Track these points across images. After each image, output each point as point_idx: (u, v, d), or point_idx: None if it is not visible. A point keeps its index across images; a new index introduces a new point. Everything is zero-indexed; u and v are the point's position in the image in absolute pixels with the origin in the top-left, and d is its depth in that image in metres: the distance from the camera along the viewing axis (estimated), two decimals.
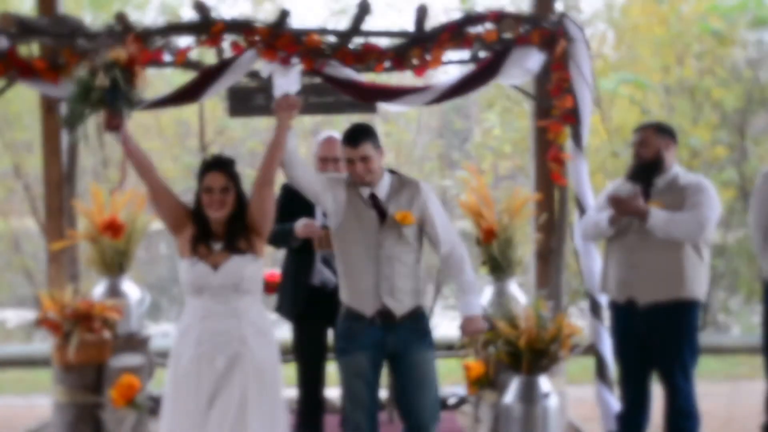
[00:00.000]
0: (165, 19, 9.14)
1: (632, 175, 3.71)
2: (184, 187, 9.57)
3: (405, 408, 3.21)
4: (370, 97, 4.08)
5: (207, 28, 3.78)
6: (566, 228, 4.45)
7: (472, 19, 3.92)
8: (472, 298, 3.26)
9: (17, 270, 9.18)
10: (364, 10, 3.80)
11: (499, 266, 4.61)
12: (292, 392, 5.14)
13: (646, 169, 3.67)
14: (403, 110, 4.69)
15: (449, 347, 5.29)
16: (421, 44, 3.91)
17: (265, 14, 9.65)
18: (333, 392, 4.55)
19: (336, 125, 9.19)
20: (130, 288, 4.68)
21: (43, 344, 8.76)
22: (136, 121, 8.61)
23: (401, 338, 3.14)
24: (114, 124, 2.94)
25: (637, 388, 3.77)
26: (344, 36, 3.89)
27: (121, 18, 3.72)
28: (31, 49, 4.03)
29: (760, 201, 3.71)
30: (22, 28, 3.64)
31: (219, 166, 2.97)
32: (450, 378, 5.52)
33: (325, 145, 3.98)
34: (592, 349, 4.21)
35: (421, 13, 3.91)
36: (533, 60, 3.97)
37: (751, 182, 3.72)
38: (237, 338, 2.89)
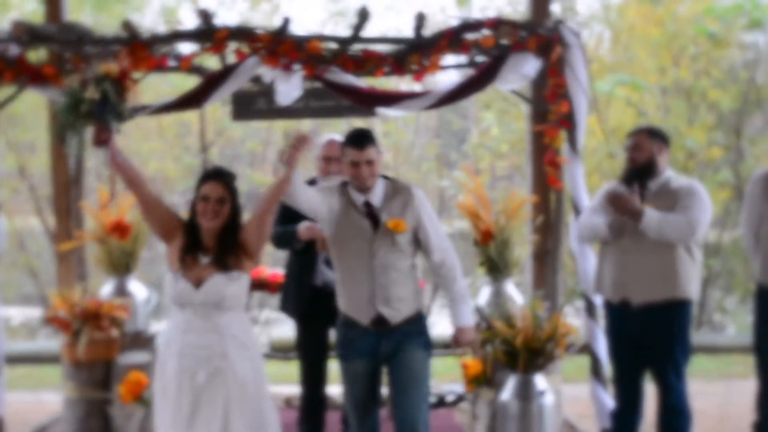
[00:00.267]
0: (164, 21, 9.24)
1: (626, 178, 3.78)
2: (185, 187, 9.66)
3: (394, 405, 3.21)
4: (370, 102, 4.16)
5: (211, 35, 3.87)
6: (562, 229, 4.53)
7: (469, 25, 4.00)
8: (464, 308, 3.24)
9: (22, 268, 9.27)
10: (363, 18, 3.90)
11: (496, 267, 4.69)
12: (294, 389, 5.26)
13: (640, 173, 3.74)
14: (402, 115, 4.76)
15: (447, 346, 5.38)
16: (419, 50, 4.00)
17: (262, 14, 9.72)
18: (335, 389, 4.64)
19: (334, 127, 9.28)
20: (137, 287, 4.79)
21: (48, 341, 8.86)
22: (137, 123, 8.69)
23: (395, 340, 3.15)
24: (102, 139, 2.92)
25: (631, 386, 3.84)
26: (344, 42, 3.98)
27: (127, 25, 3.81)
28: (39, 55, 4.11)
29: (751, 204, 3.77)
30: (32, 36, 3.72)
31: (219, 177, 2.96)
32: (448, 376, 5.61)
33: (328, 147, 4.09)
34: (587, 349, 4.27)
35: (420, 20, 4.00)
36: (530, 66, 4.05)
37: (747, 183, 3.79)
38: (218, 354, 2.89)
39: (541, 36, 4.03)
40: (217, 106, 8.36)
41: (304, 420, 4.25)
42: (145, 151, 9.24)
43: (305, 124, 9.51)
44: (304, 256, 4.01)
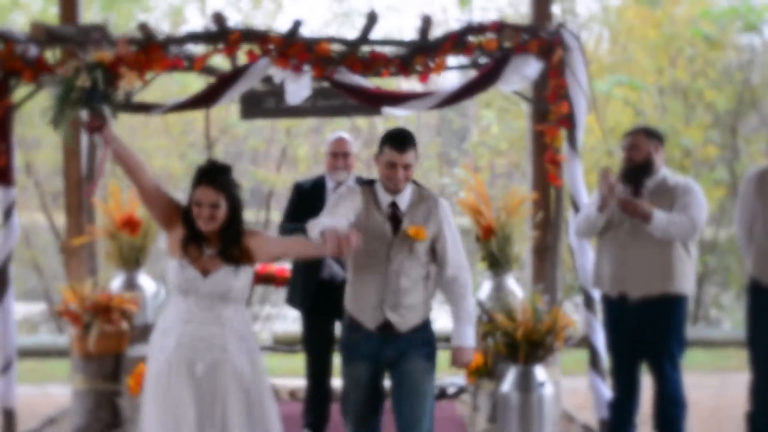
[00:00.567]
0: (171, 21, 9.33)
1: (624, 177, 3.87)
2: (190, 184, 9.74)
3: (396, 416, 3.09)
4: (376, 101, 4.27)
5: (224, 37, 3.98)
6: (561, 226, 4.64)
7: (473, 29, 4.10)
8: (468, 329, 3.12)
9: (26, 264, 9.35)
10: (372, 21, 4.01)
11: (497, 262, 4.81)
12: (298, 382, 5.37)
13: (638, 172, 3.83)
14: (407, 114, 4.86)
15: (447, 339, 5.49)
16: (425, 52, 4.10)
17: (265, 13, 9.81)
18: (339, 382, 4.75)
19: (338, 125, 9.38)
20: (146, 281, 4.90)
21: (50, 336, 8.96)
22: (143, 120, 8.79)
23: (399, 347, 3.04)
24: (95, 125, 2.85)
25: (628, 377, 3.94)
26: (353, 44, 4.09)
27: (143, 27, 3.91)
28: (54, 55, 4.22)
29: (745, 201, 3.84)
30: (50, 37, 3.82)
31: (210, 181, 2.82)
32: (449, 369, 5.71)
33: (337, 143, 4.23)
34: (586, 341, 4.36)
35: (426, 23, 4.11)
36: (531, 67, 4.14)
37: (742, 181, 3.90)
38: (218, 346, 2.83)
39: (543, 39, 4.12)
40: (222, 105, 8.45)
41: (310, 411, 4.36)
42: (151, 148, 9.33)
43: (309, 122, 9.62)
44: None
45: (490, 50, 4.14)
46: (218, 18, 3.98)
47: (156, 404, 2.83)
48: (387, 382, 3.18)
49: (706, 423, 4.73)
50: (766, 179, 3.70)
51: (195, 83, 8.25)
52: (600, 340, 4.25)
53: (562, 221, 4.66)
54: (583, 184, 4.36)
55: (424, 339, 3.08)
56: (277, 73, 4.02)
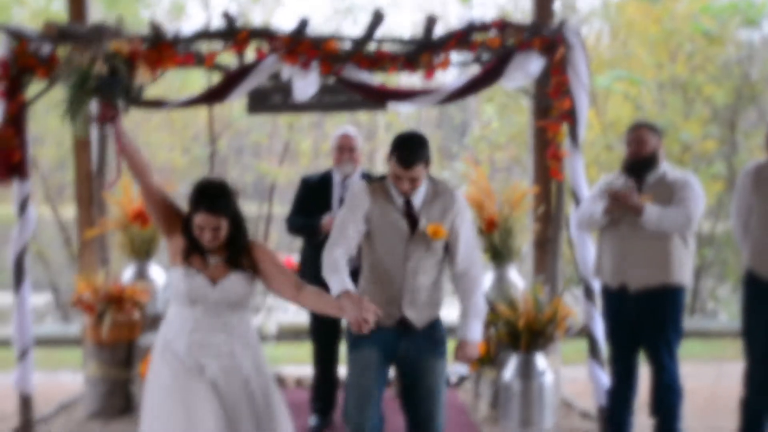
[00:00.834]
0: (173, 16, 9.40)
1: (628, 169, 3.94)
2: (193, 179, 9.84)
3: (413, 417, 3.04)
4: (382, 98, 4.35)
5: (233, 35, 4.07)
6: (562, 219, 4.72)
7: (477, 27, 4.18)
8: (476, 323, 3.05)
9: (32, 255, 9.42)
10: (378, 19, 4.10)
11: (499, 254, 4.92)
12: (304, 370, 5.49)
13: (643, 165, 3.89)
14: (412, 110, 4.95)
15: (450, 329, 5.60)
16: (430, 50, 4.18)
17: (263, 7, 9.88)
18: (345, 370, 4.86)
19: (339, 119, 9.47)
20: (156, 272, 5.02)
21: (55, 326, 9.07)
22: (145, 115, 8.86)
23: (415, 344, 2.99)
24: (109, 116, 2.74)
25: (626, 365, 4.02)
26: (359, 42, 4.18)
27: (154, 26, 4.00)
28: (63, 52, 4.30)
29: (741, 195, 3.91)
30: (62, 35, 3.90)
31: (209, 207, 2.71)
32: (451, 357, 5.80)
33: (343, 138, 4.35)
34: (585, 331, 4.44)
35: (431, 22, 4.20)
36: (534, 64, 4.21)
37: None
38: (226, 353, 2.80)
39: (545, 37, 4.20)
40: (232, 101, 8.52)
41: (317, 398, 4.48)
42: (155, 142, 9.42)
43: (310, 116, 9.69)
44: (319, 241, 4.23)
45: (494, 48, 4.21)
46: (228, 17, 4.08)
47: (174, 403, 2.72)
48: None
49: (702, 410, 4.82)
50: (763, 174, 3.76)
51: (197, 78, 8.35)
52: (599, 329, 4.33)
53: (563, 215, 4.74)
54: (583, 178, 4.43)
55: (438, 338, 3.03)
56: (285, 70, 4.11)
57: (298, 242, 4.60)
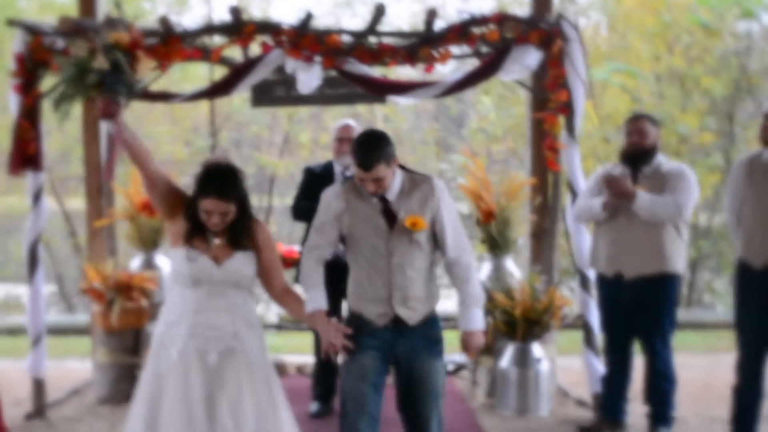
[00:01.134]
0: (174, 9, 9.47)
1: (626, 159, 4.03)
2: (195, 170, 9.92)
3: (411, 419, 2.96)
4: (383, 91, 4.45)
5: (239, 29, 4.16)
6: (559, 210, 4.81)
7: (476, 20, 4.26)
8: (476, 311, 2.96)
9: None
10: (379, 13, 4.19)
11: (497, 244, 5.02)
12: (304, 358, 5.60)
13: (642, 156, 3.98)
14: (412, 102, 5.02)
15: (447, 319, 5.69)
16: (430, 43, 4.27)
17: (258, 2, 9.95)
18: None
19: (338, 111, 9.53)
20: (163, 261, 5.13)
21: (58, 316, 9.20)
22: (147, 107, 8.93)
23: (411, 344, 2.90)
24: (110, 111, 2.66)
25: (621, 354, 4.13)
26: (361, 36, 4.27)
27: (163, 20, 4.10)
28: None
29: (734, 187, 3.95)
30: (77, 29, 3.99)
31: (219, 192, 2.70)
32: (449, 347, 5.88)
33: (343, 129, 4.46)
34: (581, 320, 4.54)
35: (431, 15, 4.29)
36: (532, 57, 4.30)
37: None
38: (230, 333, 2.78)
39: (543, 30, 4.27)
40: (239, 94, 8.58)
41: (318, 385, 4.59)
42: (156, 134, 9.49)
43: (310, 108, 9.76)
44: None
45: (493, 41, 4.29)
46: (234, 11, 4.17)
47: (158, 399, 2.73)
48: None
49: (696, 399, 4.90)
50: (756, 165, 3.82)
51: (197, 70, 8.41)
52: (595, 318, 4.41)
53: (559, 206, 4.82)
54: (580, 170, 4.51)
55: (434, 337, 2.95)
56: (289, 64, 4.21)
57: (297, 233, 4.71)
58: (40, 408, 4.55)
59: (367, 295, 2.89)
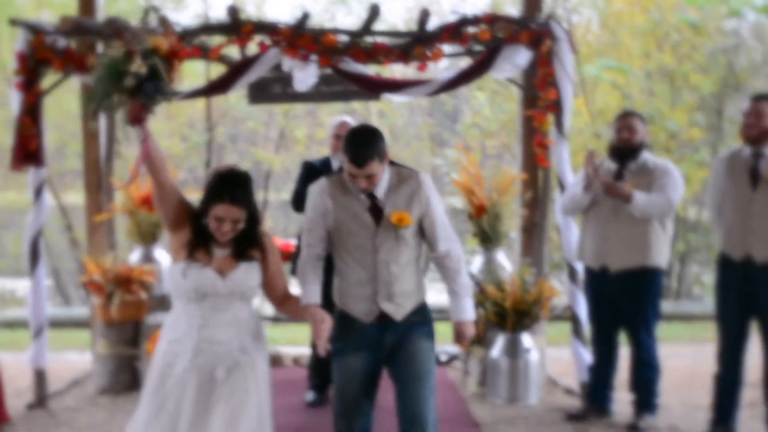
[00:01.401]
0: (172, 7, 9.54)
1: (613, 155, 4.15)
2: (190, 165, 10.04)
3: (400, 400, 2.90)
4: (378, 89, 4.55)
5: (237, 29, 4.26)
6: (548, 205, 4.93)
7: (468, 20, 4.36)
8: (466, 301, 2.95)
9: None
10: (374, 14, 4.30)
11: (488, 238, 5.14)
12: (300, 350, 5.72)
13: (628, 152, 4.09)
14: (406, 100, 5.13)
15: (439, 311, 5.81)
16: (423, 42, 4.37)
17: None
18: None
19: (333, 108, 9.63)
20: (162, 255, 5.23)
21: (56, 309, 9.28)
22: None
23: (399, 332, 2.88)
24: (141, 117, 2.59)
25: (607, 344, 4.26)
26: (356, 35, 4.37)
27: (162, 20, 4.18)
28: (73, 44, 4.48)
29: (715, 181, 4.08)
30: (78, 29, 4.08)
31: (233, 198, 2.66)
32: (441, 338, 5.99)
33: (340, 126, 4.54)
34: (569, 312, 4.65)
35: (424, 15, 4.40)
36: (522, 57, 4.40)
37: None
38: (237, 347, 2.73)
39: (533, 30, 4.38)
40: (236, 91, 8.66)
41: (314, 376, 4.70)
42: (154, 130, 9.54)
43: (305, 104, 9.85)
44: None
45: (484, 40, 4.39)
46: (232, 11, 4.27)
47: (157, 414, 2.70)
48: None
49: (680, 388, 5.03)
50: (736, 161, 3.92)
51: (192, 67, 8.48)
52: (582, 310, 4.54)
53: (549, 200, 4.93)
54: (569, 165, 4.62)
55: (423, 319, 2.93)
56: (286, 62, 4.31)
57: (292, 228, 4.80)
58: (41, 398, 4.65)
59: (352, 293, 2.87)
